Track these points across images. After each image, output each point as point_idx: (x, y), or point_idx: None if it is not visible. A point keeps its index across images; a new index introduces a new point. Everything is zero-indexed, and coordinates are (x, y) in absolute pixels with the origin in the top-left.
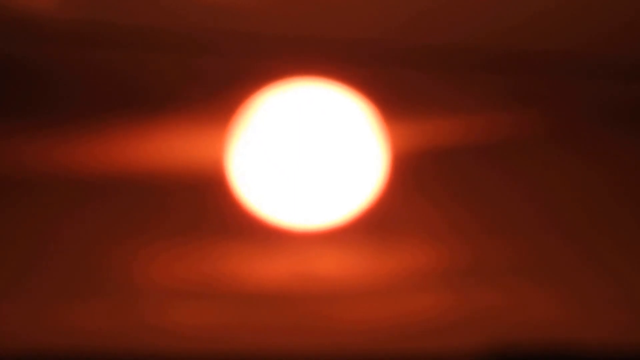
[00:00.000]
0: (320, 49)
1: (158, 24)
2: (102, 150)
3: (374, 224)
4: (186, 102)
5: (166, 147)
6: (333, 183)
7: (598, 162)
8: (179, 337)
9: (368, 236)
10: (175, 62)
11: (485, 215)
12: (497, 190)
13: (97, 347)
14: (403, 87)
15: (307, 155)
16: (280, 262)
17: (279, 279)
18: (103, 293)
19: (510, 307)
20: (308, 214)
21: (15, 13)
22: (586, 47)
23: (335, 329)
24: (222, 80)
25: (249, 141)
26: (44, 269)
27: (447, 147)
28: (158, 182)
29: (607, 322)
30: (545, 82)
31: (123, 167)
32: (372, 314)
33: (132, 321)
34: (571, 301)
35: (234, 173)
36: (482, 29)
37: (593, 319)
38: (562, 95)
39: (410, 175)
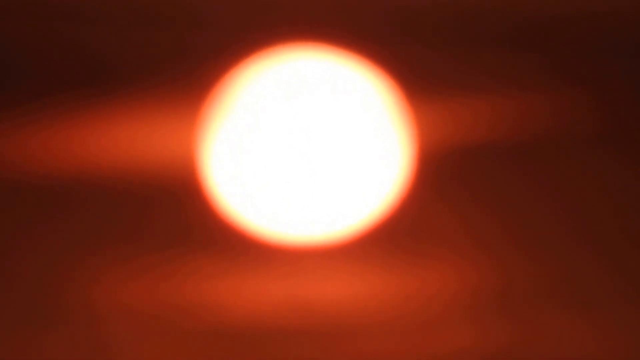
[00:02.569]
0: (328, 11)
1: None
2: (56, 143)
3: (391, 238)
4: (158, 82)
5: (131, 139)
6: (340, 186)
7: None
8: None
9: (383, 253)
10: (147, 36)
11: (518, 228)
12: (530, 195)
13: None
14: (427, 65)
15: (308, 151)
16: (274, 286)
17: (272, 308)
18: (63, 321)
19: (542, 339)
20: (309, 226)
21: None
22: None
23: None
24: (201, 55)
25: (233, 132)
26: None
27: (474, 142)
28: (118, 186)
29: None
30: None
31: (80, 165)
32: (386, 351)
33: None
34: (612, 333)
35: (214, 173)
36: None
37: (635, 354)
38: (614, 79)
39: (435, 177)
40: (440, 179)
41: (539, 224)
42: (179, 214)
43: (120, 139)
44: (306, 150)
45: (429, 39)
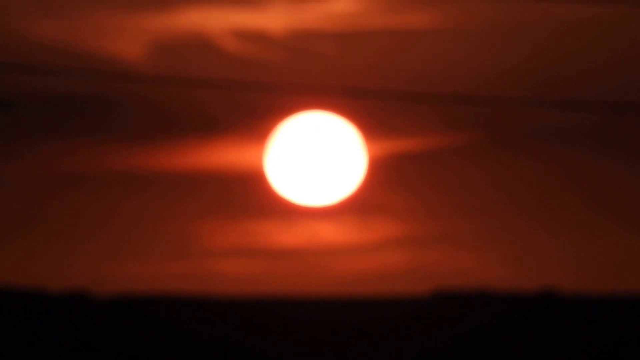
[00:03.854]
0: (322, 93)
1: (216, 73)
2: (180, 157)
3: (357, 205)
4: (235, 125)
5: (222, 155)
6: (330, 177)
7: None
8: (226, 281)
9: (353, 213)
10: (227, 98)
11: (432, 200)
12: (442, 183)
13: (169, 290)
14: (374, 117)
15: (314, 159)
16: (296, 229)
17: (294, 240)
18: (184, 253)
19: (452, 262)
20: (314, 197)
21: (118, 63)
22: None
23: (330, 276)
24: (261, 111)
25: (278, 150)
26: (156, 234)
27: (406, 153)
28: (217, 179)
29: (514, 275)
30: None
31: (194, 169)
32: (355, 266)
33: (199, 269)
34: (498, 260)
35: (267, 172)
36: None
37: (505, 271)
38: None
39: (381, 172)
40: (384, 172)
41: (442, 198)
42: (255, 191)
43: (213, 156)
44: (314, 159)
45: (378, 101)
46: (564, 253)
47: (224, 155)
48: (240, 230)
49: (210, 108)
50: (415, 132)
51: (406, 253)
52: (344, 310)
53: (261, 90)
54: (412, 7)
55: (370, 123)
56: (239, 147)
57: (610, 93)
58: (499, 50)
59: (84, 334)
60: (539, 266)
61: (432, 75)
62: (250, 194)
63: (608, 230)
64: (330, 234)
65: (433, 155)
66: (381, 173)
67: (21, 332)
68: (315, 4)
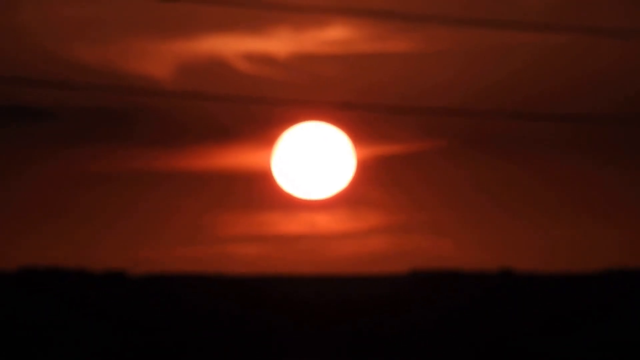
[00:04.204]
0: (318, 106)
1: (229, 90)
2: (198, 159)
3: (347, 198)
4: (246, 133)
5: (235, 157)
6: (325, 175)
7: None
8: (239, 262)
9: (344, 205)
10: (239, 110)
11: (410, 194)
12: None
13: (190, 270)
14: (362, 126)
15: (312, 161)
16: (296, 219)
17: (295, 228)
18: (201, 239)
19: (426, 247)
20: (312, 192)
21: (147, 81)
22: None
23: (325, 258)
24: (267, 121)
25: (282, 154)
26: (177, 224)
27: (388, 156)
28: (230, 177)
29: (477, 258)
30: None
31: (211, 169)
32: (345, 250)
33: (214, 253)
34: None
35: (273, 171)
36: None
37: (471, 255)
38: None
39: (367, 172)
40: (370, 172)
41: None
42: (262, 187)
43: (228, 158)
44: (313, 161)
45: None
46: (520, 239)
47: (236, 157)
48: (249, 219)
49: (224, 118)
50: (395, 138)
51: (388, 239)
52: (336, 286)
53: (268, 103)
54: (396, 34)
55: (358, 131)
56: (249, 150)
57: (566, 106)
58: (470, 70)
59: (120, 307)
60: (499, 250)
61: (412, 91)
62: (258, 190)
63: (557, 220)
64: (325, 222)
65: (411, 157)
66: (367, 172)
67: (69, 305)
68: (314, 31)
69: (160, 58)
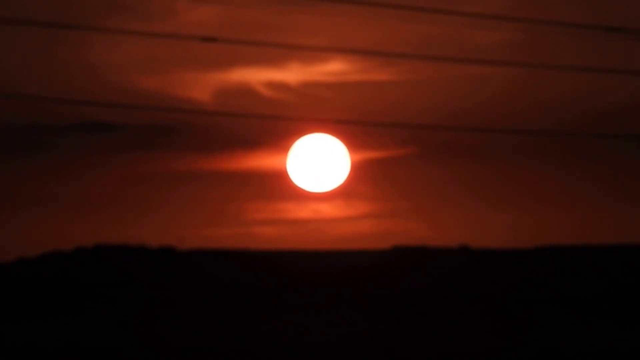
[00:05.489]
0: (322, 122)
1: (254, 109)
2: (230, 163)
3: (343, 192)
4: (267, 142)
5: (258, 161)
6: (327, 174)
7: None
8: (260, 241)
9: (341, 197)
10: (262, 125)
11: (392, 188)
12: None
13: (227, 246)
14: (355, 137)
15: (318, 162)
16: (305, 207)
17: (304, 215)
18: (233, 223)
19: (404, 228)
20: (317, 187)
21: (191, 102)
22: None
23: (326, 237)
24: (283, 133)
25: (295, 158)
26: (216, 211)
27: (375, 160)
28: (255, 176)
29: (443, 236)
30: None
31: (240, 170)
32: (341, 231)
33: (244, 233)
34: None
35: (288, 171)
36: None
37: (438, 234)
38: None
39: (359, 172)
40: (361, 172)
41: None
42: (280, 183)
43: (252, 161)
44: (317, 163)
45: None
46: (477, 222)
47: (258, 160)
48: (269, 207)
49: (250, 131)
50: (381, 146)
51: (375, 222)
52: (334, 259)
53: (283, 120)
54: (382, 67)
55: (352, 141)
56: (269, 155)
57: (517, 123)
58: (443, 96)
59: (172, 276)
60: (460, 231)
61: (394, 110)
62: (276, 185)
63: (508, 204)
64: (327, 210)
65: (393, 161)
66: (359, 172)
67: (129, 276)
68: (319, 65)
69: (202, 85)
